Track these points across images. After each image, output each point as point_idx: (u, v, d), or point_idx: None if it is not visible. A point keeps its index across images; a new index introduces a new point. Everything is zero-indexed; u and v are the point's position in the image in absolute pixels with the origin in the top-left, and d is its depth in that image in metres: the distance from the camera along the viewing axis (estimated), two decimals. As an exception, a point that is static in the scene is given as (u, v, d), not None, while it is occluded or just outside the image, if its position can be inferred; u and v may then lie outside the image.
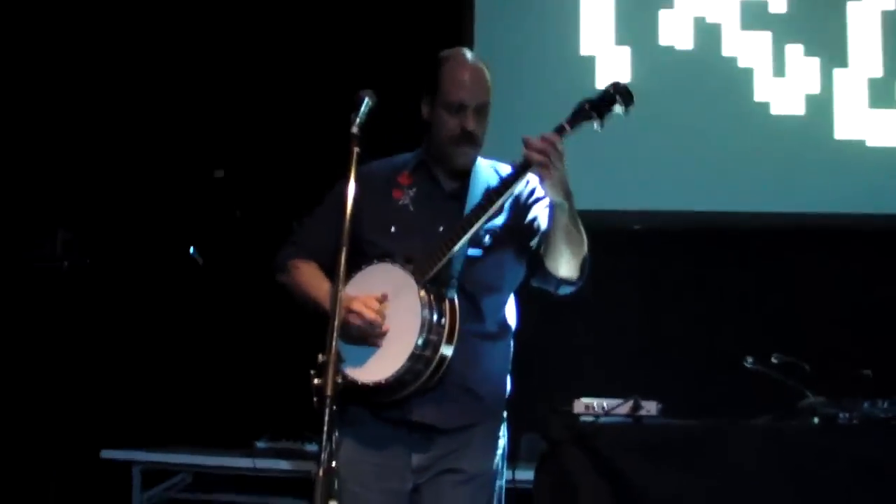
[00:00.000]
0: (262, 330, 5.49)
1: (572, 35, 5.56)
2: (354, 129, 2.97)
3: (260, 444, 5.16)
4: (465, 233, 3.14)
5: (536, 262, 3.27)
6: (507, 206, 3.28)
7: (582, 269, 3.25)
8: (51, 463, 5.38)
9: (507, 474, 3.40)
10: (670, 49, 5.51)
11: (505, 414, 3.39)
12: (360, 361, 3.13)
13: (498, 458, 3.34)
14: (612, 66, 5.48)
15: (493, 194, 3.17)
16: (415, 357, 3.09)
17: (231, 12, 5.71)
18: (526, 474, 3.66)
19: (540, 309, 3.46)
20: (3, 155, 5.71)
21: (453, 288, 3.16)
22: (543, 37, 5.59)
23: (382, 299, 3.13)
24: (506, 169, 3.33)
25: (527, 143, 3.08)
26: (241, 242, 5.62)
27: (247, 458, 5.08)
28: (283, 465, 5.04)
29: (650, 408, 3.80)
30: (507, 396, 3.38)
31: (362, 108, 2.99)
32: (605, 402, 3.79)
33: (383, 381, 3.10)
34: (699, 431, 3.79)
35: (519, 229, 3.28)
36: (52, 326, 5.59)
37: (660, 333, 5.19)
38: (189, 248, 5.66)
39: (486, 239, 3.25)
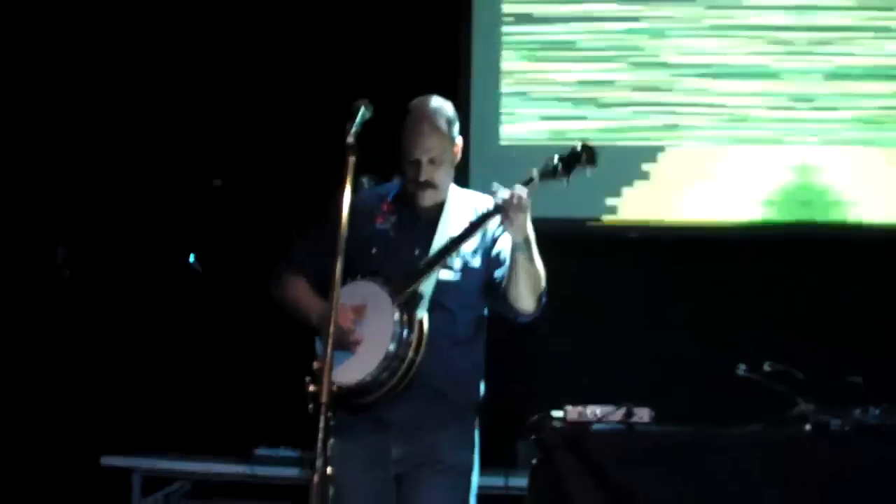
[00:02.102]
0: (260, 338, 5.50)
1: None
2: (350, 139, 3.09)
3: (258, 452, 5.18)
4: (436, 263, 3.35)
5: (497, 293, 3.46)
6: (478, 237, 3.45)
7: (538, 302, 3.44)
8: (51, 469, 5.42)
9: (500, 481, 3.45)
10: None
11: (477, 420, 3.50)
12: (336, 364, 3.22)
13: (474, 453, 3.46)
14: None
15: (458, 237, 3.37)
16: (382, 366, 3.26)
17: (227, 22, 5.72)
18: (520, 481, 3.70)
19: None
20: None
21: (423, 308, 3.34)
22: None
23: (358, 309, 3.31)
24: (480, 199, 3.52)
25: (497, 193, 3.29)
26: (239, 250, 5.66)
27: (245, 466, 5.11)
28: (282, 472, 5.06)
29: (642, 415, 3.84)
30: (479, 401, 3.50)
31: (358, 118, 3.13)
32: (598, 410, 3.83)
33: (353, 384, 3.25)
34: (691, 439, 3.83)
35: (486, 259, 3.48)
36: (52, 334, 5.62)
37: (653, 341, 5.20)
38: (189, 256, 5.69)
39: (459, 265, 3.43)
